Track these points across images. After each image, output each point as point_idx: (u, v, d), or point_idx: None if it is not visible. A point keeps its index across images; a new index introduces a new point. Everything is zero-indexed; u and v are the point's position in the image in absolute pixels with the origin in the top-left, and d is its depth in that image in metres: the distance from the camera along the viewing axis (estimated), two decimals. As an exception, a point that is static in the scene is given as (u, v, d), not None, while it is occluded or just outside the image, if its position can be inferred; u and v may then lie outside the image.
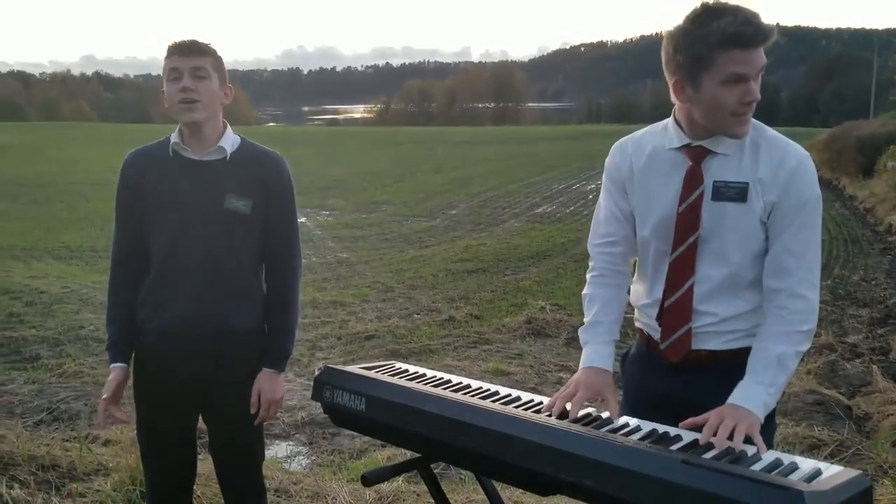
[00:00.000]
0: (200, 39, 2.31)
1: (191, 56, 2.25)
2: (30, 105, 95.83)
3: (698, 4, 1.82)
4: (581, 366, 2.02)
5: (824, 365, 6.04)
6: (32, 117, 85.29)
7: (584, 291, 2.13)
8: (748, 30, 1.77)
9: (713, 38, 1.77)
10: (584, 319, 2.09)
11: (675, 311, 1.98)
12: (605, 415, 1.89)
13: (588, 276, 2.16)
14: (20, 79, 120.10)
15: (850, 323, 7.94)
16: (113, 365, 2.38)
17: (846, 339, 7.07)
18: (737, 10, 1.78)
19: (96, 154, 34.32)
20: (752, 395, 1.81)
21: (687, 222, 1.93)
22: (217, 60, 2.31)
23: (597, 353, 2.01)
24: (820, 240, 1.91)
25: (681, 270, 1.96)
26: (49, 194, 20.39)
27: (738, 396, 1.82)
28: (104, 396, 2.36)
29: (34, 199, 19.28)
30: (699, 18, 1.80)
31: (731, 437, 1.71)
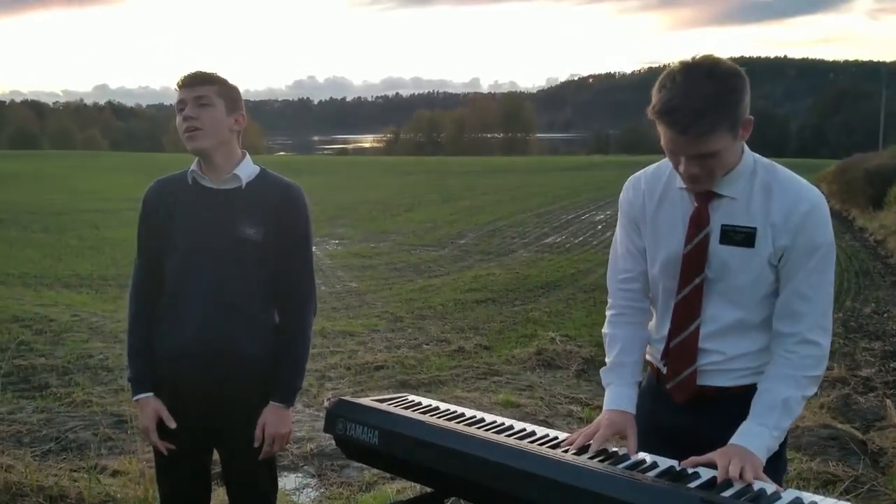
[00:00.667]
0: (208, 70, 2.36)
1: (193, 86, 2.29)
2: (43, 134, 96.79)
3: (677, 62, 1.81)
4: (605, 408, 2.01)
5: (837, 399, 5.97)
6: (45, 146, 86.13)
7: (605, 330, 2.13)
8: (675, 118, 1.75)
9: (654, 105, 1.79)
10: (607, 360, 2.09)
11: (680, 351, 1.97)
12: (622, 451, 1.87)
13: (608, 313, 2.15)
14: (34, 108, 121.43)
15: (862, 356, 7.85)
16: (142, 397, 2.36)
17: (859, 372, 6.99)
18: (685, 88, 1.74)
19: (107, 183, 34.60)
20: (755, 437, 1.80)
21: (693, 263, 1.92)
22: (223, 88, 2.33)
23: (620, 395, 2.01)
24: (832, 285, 1.90)
25: (686, 311, 1.95)
26: (60, 222, 20.51)
27: (740, 437, 1.81)
28: (153, 434, 2.35)
29: (45, 227, 19.38)
30: (663, 79, 1.79)
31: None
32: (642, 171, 2.10)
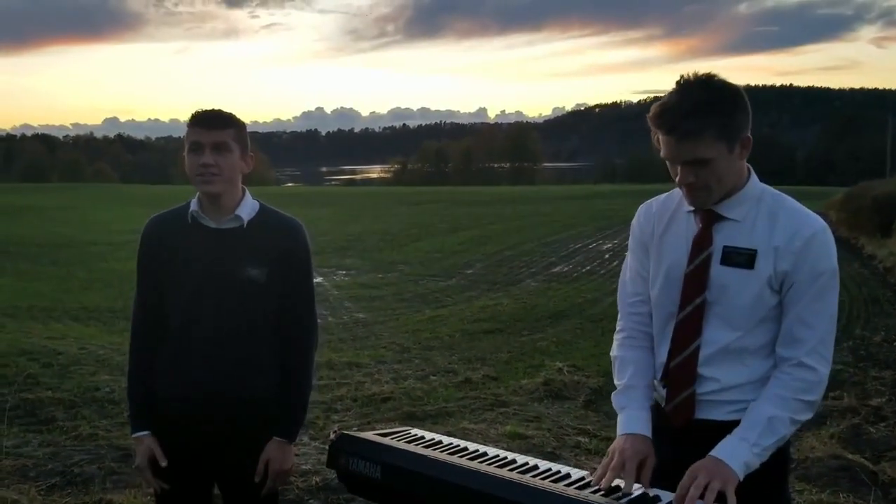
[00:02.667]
0: (224, 109, 2.32)
1: (212, 130, 2.26)
2: (53, 167, 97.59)
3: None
4: (620, 432, 2.00)
5: (848, 429, 5.91)
6: (55, 179, 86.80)
7: (614, 353, 2.14)
8: (666, 120, 1.84)
9: (650, 114, 1.88)
10: (617, 382, 2.09)
11: (680, 373, 1.98)
12: (623, 484, 1.86)
13: (616, 336, 2.16)
14: (44, 141, 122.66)
15: (872, 385, 7.78)
16: (140, 434, 2.36)
17: (869, 402, 6.93)
18: (679, 90, 1.85)
19: (116, 215, 34.80)
20: (734, 451, 1.80)
21: (694, 284, 1.95)
22: (239, 131, 2.32)
23: (635, 419, 1.99)
24: (835, 312, 1.90)
25: (687, 332, 1.97)
26: (69, 255, 20.61)
27: (719, 449, 1.81)
28: (147, 472, 2.34)
29: (54, 260, 19.48)
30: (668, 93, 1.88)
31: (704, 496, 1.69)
32: (656, 197, 2.15)
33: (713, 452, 1.80)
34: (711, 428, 1.95)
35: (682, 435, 1.97)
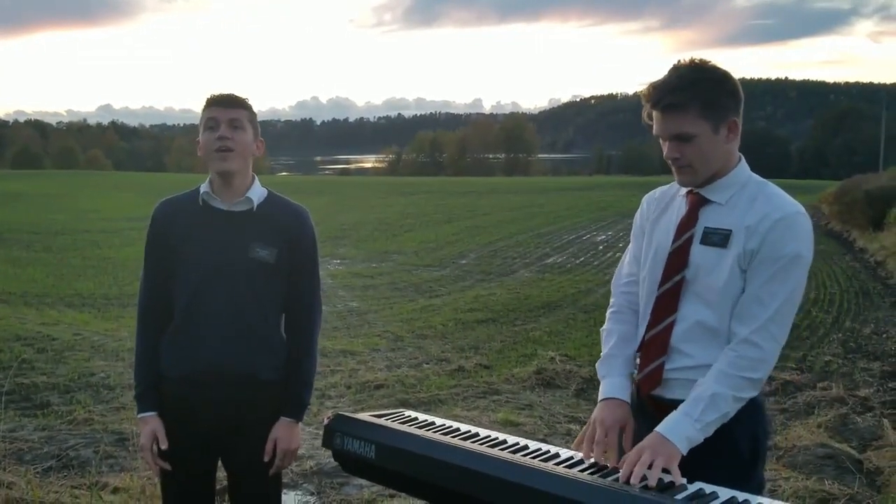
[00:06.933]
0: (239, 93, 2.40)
1: (229, 108, 2.34)
2: (46, 154, 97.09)
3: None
4: (599, 398, 2.08)
5: (835, 418, 6.00)
6: (49, 165, 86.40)
7: (603, 327, 2.22)
8: (654, 94, 1.94)
9: (642, 93, 1.97)
10: (602, 353, 2.15)
11: (653, 344, 2.05)
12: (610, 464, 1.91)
13: (608, 312, 2.25)
14: (38, 128, 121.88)
15: (861, 376, 7.88)
16: (146, 415, 2.38)
17: (857, 392, 7.02)
18: (671, 72, 1.95)
19: (110, 202, 34.73)
20: (676, 427, 1.86)
21: (675, 261, 2.02)
22: (252, 114, 2.40)
23: (614, 385, 2.08)
24: (793, 297, 1.92)
25: (664, 306, 2.04)
26: (62, 242, 20.59)
27: (663, 426, 1.87)
28: (151, 449, 2.37)
29: (47, 247, 19.46)
30: None
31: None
32: (661, 186, 2.23)
33: (658, 428, 1.87)
34: None
35: (657, 416, 2.02)
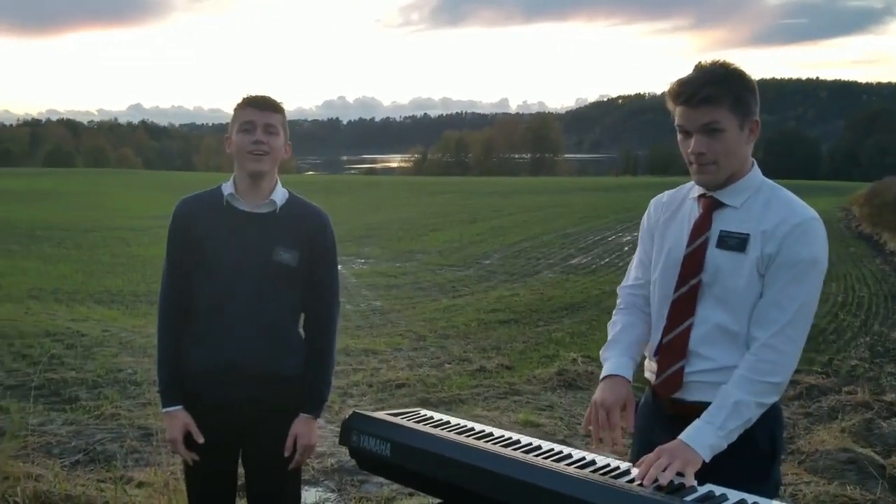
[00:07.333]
0: (273, 97, 2.45)
1: (265, 111, 2.40)
2: (77, 152, 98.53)
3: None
4: (602, 376, 2.12)
5: (860, 423, 5.93)
6: (80, 164, 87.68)
7: (609, 322, 2.25)
8: (685, 89, 1.95)
9: (668, 90, 2.00)
10: (607, 341, 2.20)
11: (671, 348, 2.06)
12: (623, 465, 1.93)
13: (614, 312, 2.28)
14: (69, 127, 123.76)
15: (887, 381, 7.80)
16: (172, 409, 2.44)
17: (883, 397, 6.94)
18: (697, 70, 1.98)
19: (139, 200, 35.16)
20: (699, 435, 1.87)
21: (691, 265, 2.03)
22: (284, 119, 2.46)
23: (616, 364, 2.12)
24: (810, 301, 1.94)
25: (681, 310, 2.05)
26: (92, 239, 20.90)
27: (686, 433, 1.88)
28: (181, 445, 2.42)
29: (78, 244, 19.77)
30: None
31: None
32: (668, 190, 2.25)
33: (681, 436, 1.88)
34: (703, 410, 2.01)
35: (676, 417, 2.03)
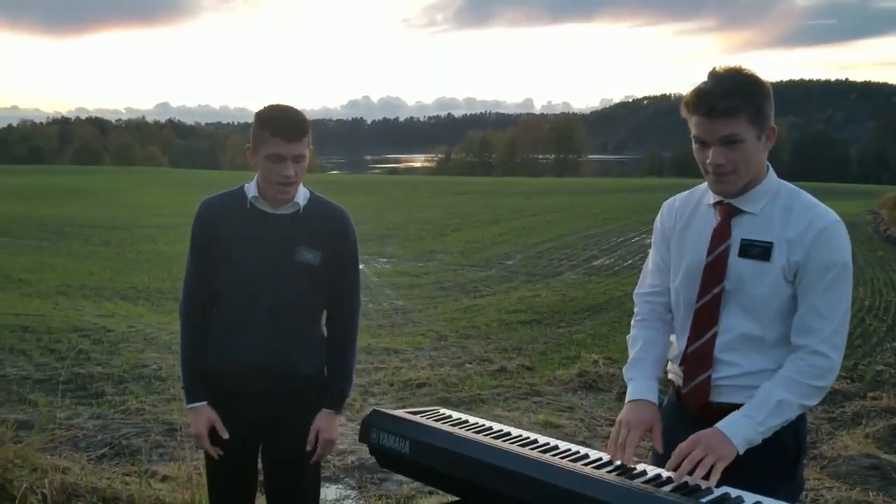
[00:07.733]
0: (290, 105, 2.39)
1: (293, 143, 2.32)
2: (105, 150, 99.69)
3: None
4: (627, 399, 2.10)
5: (885, 429, 5.88)
6: (107, 162, 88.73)
7: (628, 335, 2.23)
8: (703, 101, 1.91)
9: (685, 100, 1.96)
10: (629, 358, 2.18)
11: (697, 357, 2.06)
12: (640, 467, 1.94)
13: (633, 321, 2.27)
14: (97, 125, 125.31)
15: (914, 387, 7.70)
16: (197, 405, 2.47)
17: (909, 403, 6.86)
18: (713, 78, 1.93)
19: (166, 199, 35.50)
20: (738, 427, 1.87)
21: (713, 273, 2.02)
22: (310, 134, 2.40)
23: (641, 387, 2.09)
24: (848, 306, 1.95)
25: (704, 319, 2.04)
26: (120, 237, 21.15)
27: (724, 423, 1.88)
28: (206, 440, 2.46)
29: (105, 241, 20.02)
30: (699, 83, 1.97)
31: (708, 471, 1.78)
32: (679, 194, 2.23)
33: (719, 425, 1.88)
34: (728, 411, 2.02)
35: (701, 418, 2.04)
